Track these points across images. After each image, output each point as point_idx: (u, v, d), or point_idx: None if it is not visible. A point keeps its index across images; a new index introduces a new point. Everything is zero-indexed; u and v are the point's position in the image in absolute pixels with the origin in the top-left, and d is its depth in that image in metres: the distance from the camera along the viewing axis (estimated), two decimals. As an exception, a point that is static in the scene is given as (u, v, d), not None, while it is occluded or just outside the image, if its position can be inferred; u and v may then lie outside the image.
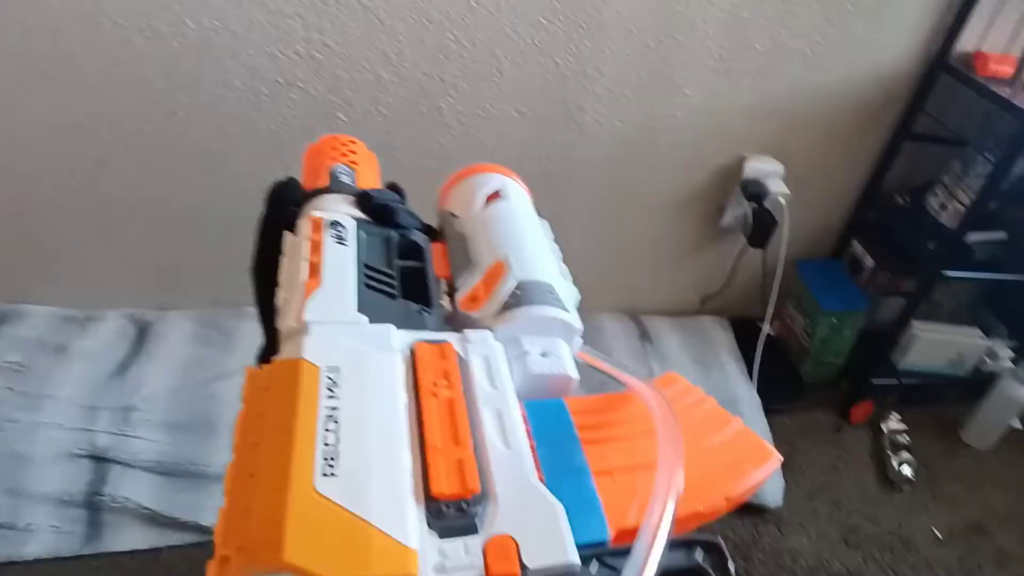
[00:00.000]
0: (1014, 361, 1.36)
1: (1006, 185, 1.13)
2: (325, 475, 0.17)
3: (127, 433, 0.97)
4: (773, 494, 1.15)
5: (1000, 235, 1.22)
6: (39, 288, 1.07)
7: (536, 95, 1.06)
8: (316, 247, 0.26)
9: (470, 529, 0.17)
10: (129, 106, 0.92)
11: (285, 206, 0.31)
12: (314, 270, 0.25)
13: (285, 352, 0.22)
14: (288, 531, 0.15)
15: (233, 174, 1.02)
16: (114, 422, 0.98)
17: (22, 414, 0.95)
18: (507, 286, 0.27)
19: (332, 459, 0.17)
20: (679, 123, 1.15)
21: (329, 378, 0.19)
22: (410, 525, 0.17)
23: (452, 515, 0.17)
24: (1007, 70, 1.09)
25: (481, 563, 0.17)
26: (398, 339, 0.23)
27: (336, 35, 0.93)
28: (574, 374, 0.25)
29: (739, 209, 1.27)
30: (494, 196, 0.33)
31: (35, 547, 0.88)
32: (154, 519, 0.93)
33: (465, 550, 0.17)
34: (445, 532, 0.17)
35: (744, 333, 1.39)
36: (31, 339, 1.03)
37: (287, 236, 0.29)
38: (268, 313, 0.27)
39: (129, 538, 0.92)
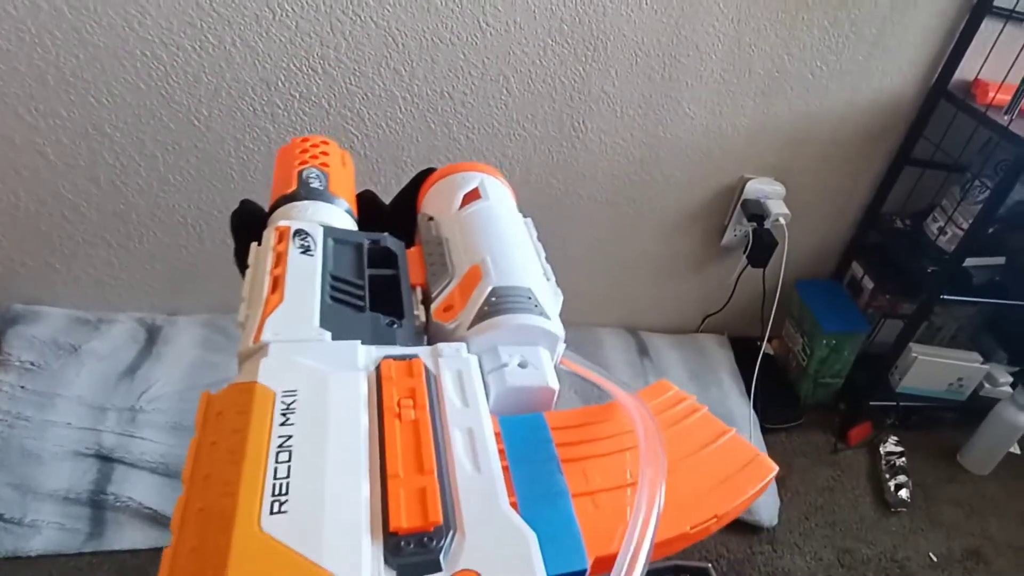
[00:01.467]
0: (1013, 386, 1.36)
1: (1004, 211, 1.14)
2: (273, 512, 0.16)
3: (133, 434, 0.99)
4: (768, 513, 1.15)
5: (999, 260, 1.23)
6: (55, 290, 1.10)
7: (542, 113, 1.08)
8: (280, 259, 0.25)
9: (432, 567, 0.16)
10: (151, 117, 0.96)
11: (251, 233, 0.29)
12: (276, 284, 0.23)
13: (241, 375, 0.20)
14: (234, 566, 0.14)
15: (248, 184, 1.05)
16: (121, 422, 1.00)
17: (33, 412, 0.97)
18: (482, 293, 0.25)
19: (282, 494, 0.16)
20: (682, 143, 1.17)
21: (284, 403, 0.18)
22: (364, 565, 0.15)
23: (412, 551, 0.16)
24: (1005, 98, 1.11)
25: None
26: (364, 356, 0.21)
27: (351, 52, 0.96)
28: (554, 384, 0.24)
29: (740, 229, 1.29)
30: (472, 195, 0.31)
31: (39, 543, 0.90)
32: (156, 519, 0.94)
33: None
34: (404, 571, 0.16)
35: (743, 352, 1.40)
36: (45, 339, 1.05)
37: (253, 247, 0.27)
38: None
39: (131, 537, 0.93)
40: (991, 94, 1.12)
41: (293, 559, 0.15)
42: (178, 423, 1.02)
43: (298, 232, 0.26)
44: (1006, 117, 1.08)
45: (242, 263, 0.28)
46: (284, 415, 0.18)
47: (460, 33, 0.97)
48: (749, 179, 1.24)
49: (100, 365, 1.06)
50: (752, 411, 1.28)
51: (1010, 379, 1.37)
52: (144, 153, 0.99)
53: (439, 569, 0.16)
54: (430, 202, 0.33)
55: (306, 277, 0.24)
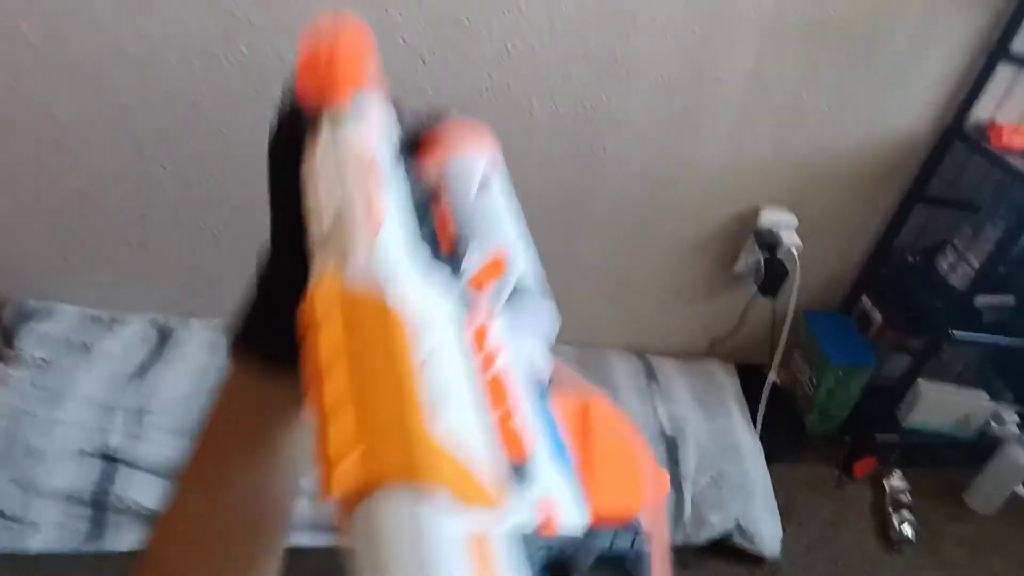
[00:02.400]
0: (1020, 426, 1.36)
1: (1015, 251, 1.15)
2: (430, 417, 0.17)
3: (138, 435, 0.99)
4: (771, 545, 1.14)
5: (1009, 299, 1.23)
6: (70, 287, 1.11)
7: (563, 135, 1.10)
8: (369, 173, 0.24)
9: (526, 488, 0.20)
10: (179, 123, 0.97)
11: (300, 129, 0.25)
12: (369, 204, 0.23)
13: (360, 287, 0.20)
14: (416, 447, 0.16)
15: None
16: (127, 424, 1.00)
17: (41, 409, 0.97)
18: (508, 278, 0.28)
19: (433, 404, 0.18)
20: (698, 170, 1.19)
21: (419, 326, 0.20)
22: (503, 482, 0.19)
23: (512, 475, 0.19)
24: (1020, 141, 1.13)
25: (537, 515, 0.19)
26: (449, 298, 0.23)
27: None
28: (554, 363, 0.28)
29: (752, 257, 1.29)
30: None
31: (39, 541, 0.89)
32: (158, 523, 0.94)
33: (526, 502, 0.19)
34: (512, 488, 0.19)
35: (750, 379, 1.40)
36: (58, 336, 1.05)
37: (315, 153, 0.25)
38: (288, 228, 0.25)
39: (130, 538, 0.92)
40: (1006, 137, 1.14)
41: (456, 464, 0.17)
42: (184, 427, 1.02)
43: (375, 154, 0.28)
44: (1020, 160, 1.09)
45: (278, 158, 0.26)
46: (418, 336, 0.20)
47: (486, 55, 0.99)
48: (763, 208, 1.24)
49: (110, 365, 1.06)
50: (757, 440, 1.27)
51: (1017, 418, 1.36)
52: (169, 158, 1.00)
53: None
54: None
55: (393, 205, 0.25)
